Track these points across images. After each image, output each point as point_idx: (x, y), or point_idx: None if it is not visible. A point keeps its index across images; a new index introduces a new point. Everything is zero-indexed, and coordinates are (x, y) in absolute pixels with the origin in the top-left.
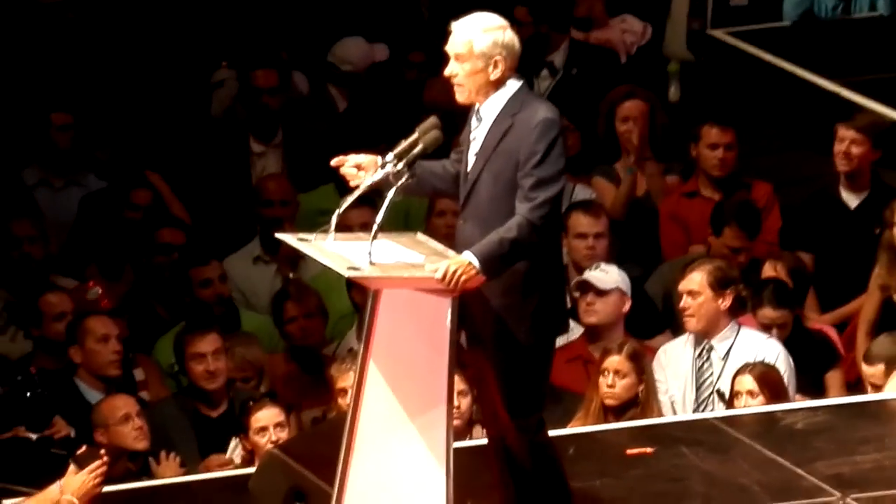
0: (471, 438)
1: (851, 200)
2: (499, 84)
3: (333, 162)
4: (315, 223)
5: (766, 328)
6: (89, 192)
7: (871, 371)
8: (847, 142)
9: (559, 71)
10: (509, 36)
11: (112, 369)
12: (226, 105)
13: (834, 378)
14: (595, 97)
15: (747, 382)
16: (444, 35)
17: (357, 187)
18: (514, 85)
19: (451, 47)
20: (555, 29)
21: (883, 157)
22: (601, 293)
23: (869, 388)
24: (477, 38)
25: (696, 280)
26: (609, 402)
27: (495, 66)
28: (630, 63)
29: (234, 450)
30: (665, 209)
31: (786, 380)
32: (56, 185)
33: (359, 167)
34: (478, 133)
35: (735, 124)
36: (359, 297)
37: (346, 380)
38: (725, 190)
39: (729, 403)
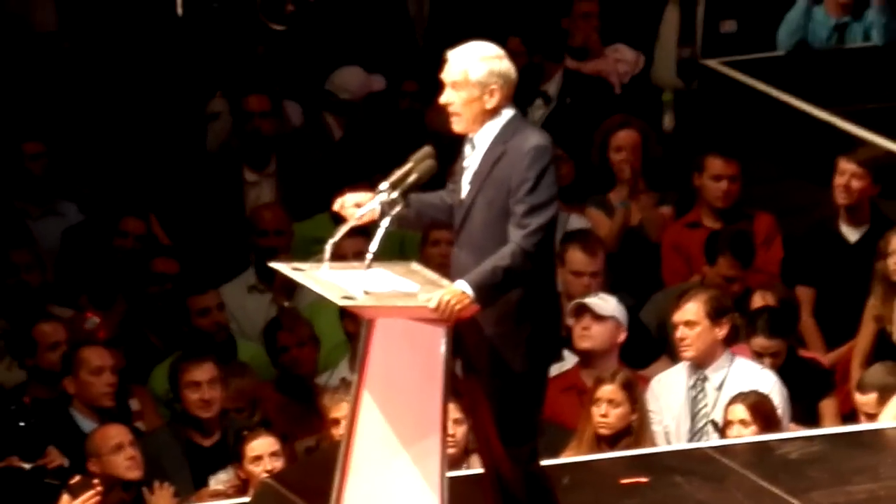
0: (467, 468)
1: (851, 234)
2: (494, 113)
3: (335, 207)
4: (310, 251)
5: (759, 357)
6: (72, 225)
7: (864, 400)
8: (848, 175)
9: (553, 100)
10: (506, 65)
11: (106, 400)
12: (221, 139)
13: (828, 407)
14: (589, 126)
15: (739, 412)
16: (439, 63)
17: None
18: (507, 113)
19: (448, 76)
20: (548, 59)
21: (882, 188)
22: (598, 318)
23: (862, 418)
24: (473, 67)
25: (692, 310)
26: (602, 431)
27: (491, 94)
28: (624, 93)
29: (218, 481)
30: (667, 239)
31: (780, 409)
32: (33, 215)
33: (358, 205)
34: (471, 161)
35: (728, 153)
36: (351, 326)
37: (339, 409)
38: (727, 220)
39: (722, 433)
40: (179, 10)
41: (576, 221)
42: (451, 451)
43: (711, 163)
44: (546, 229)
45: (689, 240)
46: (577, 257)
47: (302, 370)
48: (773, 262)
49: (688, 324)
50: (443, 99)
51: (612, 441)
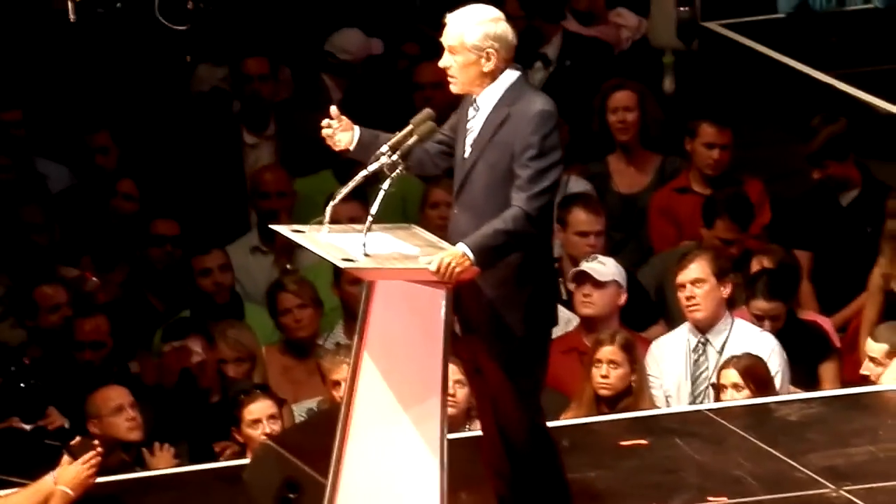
0: (469, 429)
1: (843, 198)
2: (493, 75)
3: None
4: (313, 207)
5: (758, 320)
6: (66, 188)
7: (876, 347)
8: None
9: (552, 63)
10: (502, 27)
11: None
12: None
13: (828, 370)
14: (588, 89)
15: (732, 376)
16: (436, 23)
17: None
18: (511, 75)
19: (445, 39)
20: (547, 21)
21: (872, 149)
22: (598, 285)
23: (869, 364)
24: (468, 31)
25: (698, 268)
26: (603, 392)
27: (488, 58)
28: (624, 56)
29: None
30: (655, 204)
31: (780, 372)
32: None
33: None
34: (474, 123)
35: (729, 116)
36: (343, 291)
37: (339, 372)
38: (717, 186)
39: (715, 396)
40: (72, 17)
41: (575, 184)
42: (451, 411)
43: (704, 130)
44: (549, 194)
45: (678, 204)
46: (580, 217)
47: (302, 333)
48: (761, 226)
49: (695, 282)
50: (441, 63)
51: (611, 402)
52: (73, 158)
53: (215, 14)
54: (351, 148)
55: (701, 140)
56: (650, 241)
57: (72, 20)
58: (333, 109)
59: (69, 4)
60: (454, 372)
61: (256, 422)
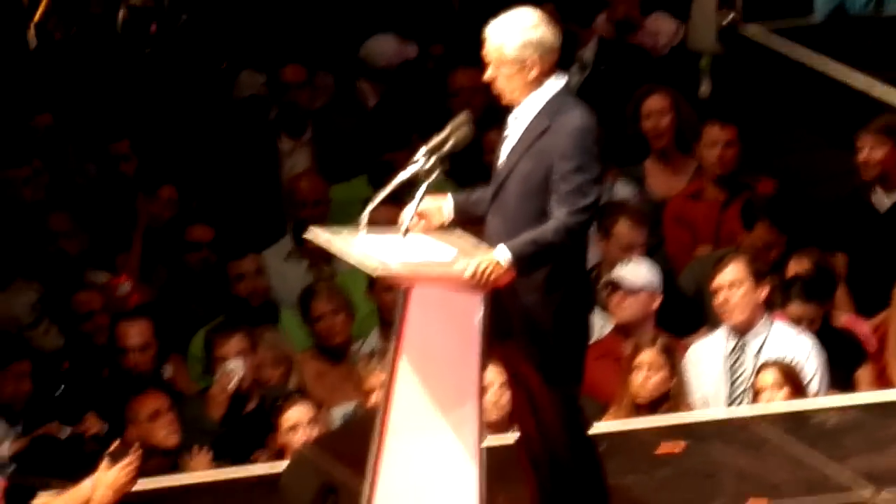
0: (513, 433)
1: (884, 201)
2: (538, 83)
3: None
4: (349, 214)
5: (795, 323)
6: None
7: None
8: (867, 149)
9: (588, 66)
10: (541, 32)
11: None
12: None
13: (864, 375)
14: (624, 93)
15: (769, 378)
16: (474, 28)
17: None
18: (555, 85)
19: (487, 53)
20: (582, 26)
21: None
22: (632, 291)
23: None
24: (508, 43)
25: (734, 271)
26: (642, 396)
27: (531, 67)
28: (662, 61)
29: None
30: (670, 211)
31: (818, 375)
32: None
33: (420, 216)
34: (513, 131)
35: (763, 120)
36: (378, 296)
37: (375, 378)
38: (730, 189)
39: (752, 399)
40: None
41: (621, 189)
42: (495, 416)
43: (709, 130)
44: (592, 210)
45: (693, 211)
46: (625, 230)
47: (336, 339)
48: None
49: (731, 284)
50: (485, 76)
51: (651, 407)
52: (98, 163)
53: (254, 22)
54: (448, 221)
55: (705, 141)
56: (665, 248)
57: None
58: (407, 216)
59: (30, 31)
60: (498, 375)
61: (293, 427)
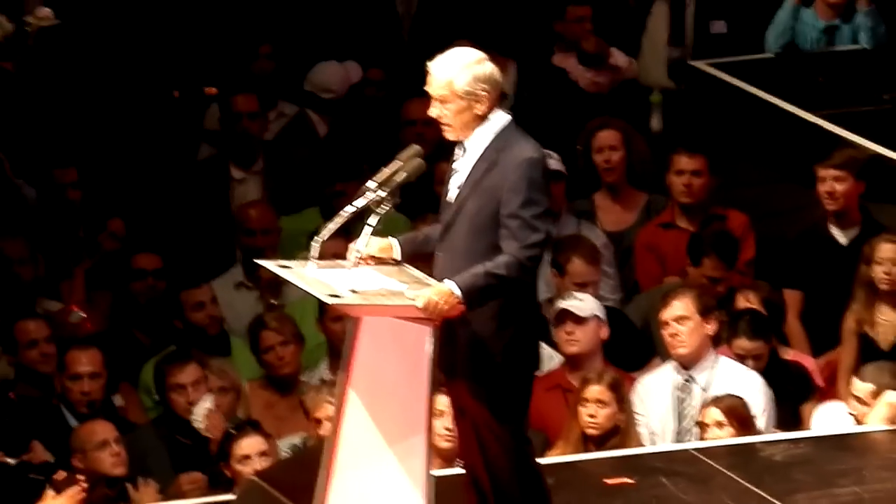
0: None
1: (842, 237)
2: (484, 118)
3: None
4: (300, 245)
5: (741, 359)
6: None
7: (861, 387)
8: (829, 180)
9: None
10: (489, 68)
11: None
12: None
13: (810, 410)
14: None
15: (715, 414)
16: (425, 58)
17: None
18: (500, 119)
19: (432, 90)
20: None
21: (871, 191)
22: (580, 321)
23: (854, 404)
24: (456, 77)
25: (682, 306)
26: (590, 431)
27: (479, 101)
28: (611, 94)
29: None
30: (641, 240)
31: (766, 411)
32: None
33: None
34: (461, 165)
35: (718, 155)
36: (327, 326)
37: (322, 409)
38: (701, 220)
39: (699, 435)
40: None
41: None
42: (447, 444)
43: (676, 159)
44: (542, 246)
45: (663, 240)
46: (580, 269)
47: (285, 370)
48: (746, 261)
49: (679, 319)
50: (432, 112)
51: (599, 441)
52: (43, 190)
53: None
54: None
55: (673, 169)
56: (636, 277)
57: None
58: (354, 257)
59: None
60: (449, 406)
61: (246, 457)
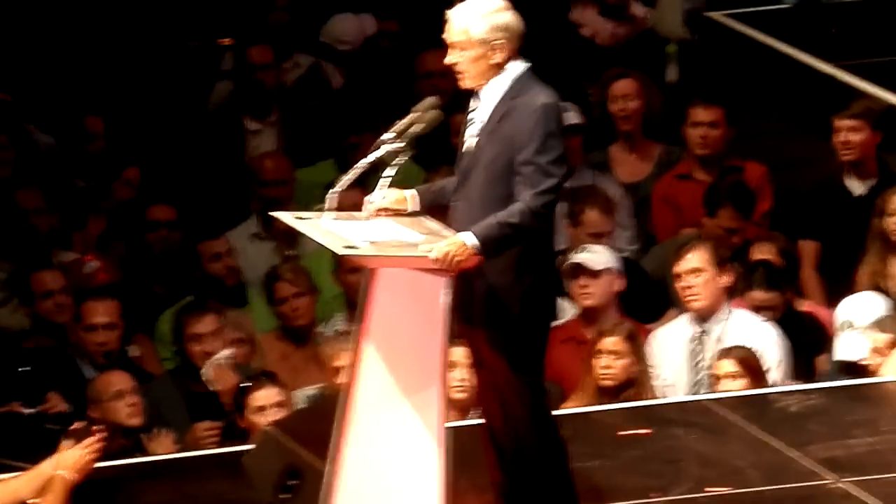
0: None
1: (857, 188)
2: (500, 68)
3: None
4: (315, 198)
5: (756, 311)
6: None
7: (879, 337)
8: (844, 131)
9: None
10: (507, 17)
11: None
12: (224, 97)
13: (825, 362)
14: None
15: (727, 366)
16: (441, 8)
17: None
18: (517, 68)
19: (449, 36)
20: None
21: (887, 141)
22: (594, 274)
23: (872, 355)
24: (474, 25)
25: (697, 258)
26: (606, 383)
27: (495, 50)
28: (627, 44)
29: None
30: (658, 192)
31: (781, 362)
32: None
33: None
34: (476, 115)
35: (733, 106)
36: (345, 279)
37: (340, 358)
38: (718, 172)
39: (712, 387)
40: None
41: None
42: (462, 395)
43: (693, 111)
44: (556, 191)
45: (680, 192)
46: (594, 219)
47: (300, 321)
48: (763, 212)
49: (693, 272)
50: (447, 60)
51: (614, 392)
52: (64, 138)
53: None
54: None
55: (690, 121)
56: (653, 229)
57: None
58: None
59: None
60: (465, 356)
61: (261, 409)
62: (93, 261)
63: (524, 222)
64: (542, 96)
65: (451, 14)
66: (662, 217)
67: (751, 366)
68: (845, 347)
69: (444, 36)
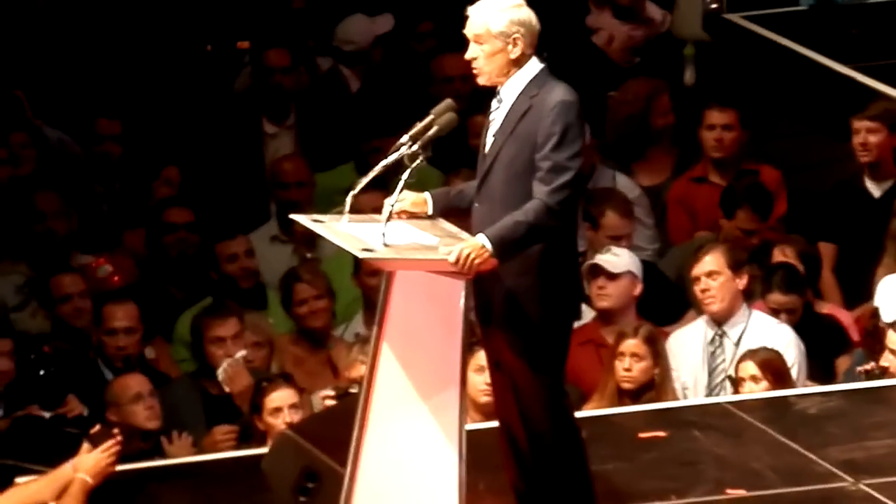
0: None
1: (875, 190)
2: (519, 63)
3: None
4: (334, 202)
5: (775, 313)
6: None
7: None
8: (863, 132)
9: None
10: (526, 13)
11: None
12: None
13: (844, 364)
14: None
15: (750, 368)
16: (454, 6)
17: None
18: (534, 66)
19: (469, 30)
20: None
21: None
22: (612, 276)
23: (890, 356)
24: (493, 19)
25: (713, 261)
26: (626, 385)
27: (514, 44)
28: (646, 48)
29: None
30: (673, 194)
31: (797, 365)
32: None
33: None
34: (497, 114)
35: (750, 108)
36: (364, 281)
37: (354, 368)
38: (733, 175)
39: (734, 389)
40: None
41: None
42: (489, 399)
43: (708, 113)
44: (572, 186)
45: (695, 195)
46: (613, 222)
47: (316, 323)
48: (778, 216)
49: (710, 274)
50: (467, 55)
51: (634, 395)
52: (81, 141)
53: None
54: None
55: (705, 124)
56: (668, 231)
57: None
58: (391, 209)
59: None
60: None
61: (278, 410)
62: (105, 264)
63: (540, 220)
64: (560, 93)
65: (471, 9)
66: (678, 220)
67: (774, 368)
68: None
69: (465, 31)
